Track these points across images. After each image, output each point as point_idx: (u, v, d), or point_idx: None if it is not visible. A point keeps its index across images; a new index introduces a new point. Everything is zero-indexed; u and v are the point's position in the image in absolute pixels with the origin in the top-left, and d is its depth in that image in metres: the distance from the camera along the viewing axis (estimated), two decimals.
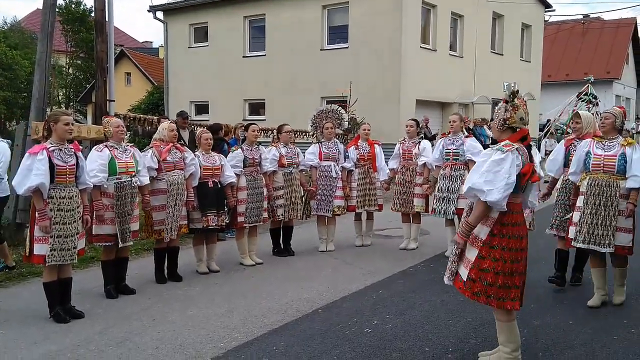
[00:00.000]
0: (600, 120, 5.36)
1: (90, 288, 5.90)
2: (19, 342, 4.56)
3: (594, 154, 5.22)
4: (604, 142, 5.24)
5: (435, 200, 7.27)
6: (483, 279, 3.74)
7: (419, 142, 7.79)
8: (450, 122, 7.36)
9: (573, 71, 30.13)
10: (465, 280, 3.84)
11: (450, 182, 7.13)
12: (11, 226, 7.40)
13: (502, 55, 22.55)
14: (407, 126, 7.93)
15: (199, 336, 4.67)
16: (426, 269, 6.92)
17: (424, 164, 7.57)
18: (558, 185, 6.00)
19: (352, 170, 7.92)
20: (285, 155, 7.42)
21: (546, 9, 25.48)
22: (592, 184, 5.19)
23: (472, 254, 3.78)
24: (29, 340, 4.60)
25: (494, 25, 22.38)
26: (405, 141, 7.86)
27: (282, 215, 7.39)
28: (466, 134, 7.43)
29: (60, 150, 4.87)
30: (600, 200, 5.14)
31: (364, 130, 8.12)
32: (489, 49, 21.92)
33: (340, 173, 7.78)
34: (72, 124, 4.99)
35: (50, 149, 4.80)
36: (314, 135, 8.36)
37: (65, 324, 4.91)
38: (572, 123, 6.01)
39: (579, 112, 6.07)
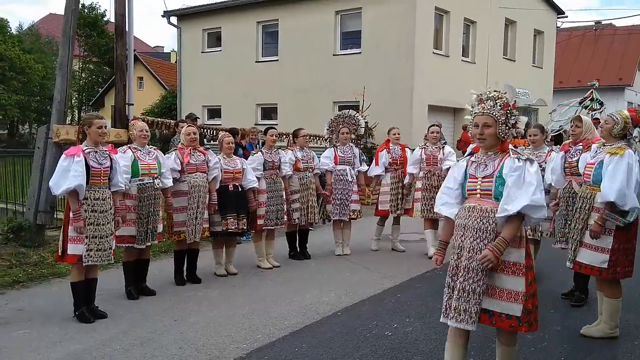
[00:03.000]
0: (600, 125, 4.90)
1: (111, 289, 5.96)
2: (43, 341, 4.62)
3: (587, 163, 4.84)
4: (599, 149, 4.73)
5: None
6: (534, 305, 3.36)
7: (443, 146, 7.79)
8: (530, 136, 6.32)
9: (585, 77, 29.93)
10: (519, 315, 3.29)
11: None
12: (32, 227, 7.48)
13: (514, 61, 22.53)
14: (432, 132, 7.86)
15: (221, 337, 4.72)
16: (444, 273, 6.89)
17: (449, 168, 7.41)
18: (559, 194, 5.61)
19: (382, 175, 7.97)
20: (301, 160, 7.48)
21: (558, 16, 25.44)
22: (565, 190, 5.17)
23: (516, 284, 3.25)
24: (53, 339, 4.65)
25: (507, 32, 22.37)
26: (428, 146, 7.80)
27: (298, 219, 7.43)
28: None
29: (96, 152, 4.97)
30: (568, 211, 5.09)
31: (395, 134, 8.14)
32: (501, 55, 21.91)
33: (355, 177, 7.82)
34: (105, 127, 5.08)
35: (86, 151, 4.90)
36: (327, 140, 8.38)
37: (89, 324, 4.98)
38: (572, 127, 5.58)
39: (581, 115, 5.66)
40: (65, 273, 6.15)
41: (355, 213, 7.82)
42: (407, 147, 8.19)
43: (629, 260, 4.51)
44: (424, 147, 7.80)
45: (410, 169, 7.86)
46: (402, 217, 8.16)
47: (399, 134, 8.20)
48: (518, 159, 3.33)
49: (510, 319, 3.30)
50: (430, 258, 7.30)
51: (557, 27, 26.25)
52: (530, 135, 6.24)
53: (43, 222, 7.57)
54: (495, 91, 3.45)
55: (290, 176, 7.38)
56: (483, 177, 3.42)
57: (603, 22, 32.38)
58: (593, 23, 32.52)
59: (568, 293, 5.73)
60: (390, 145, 8.10)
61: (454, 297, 3.41)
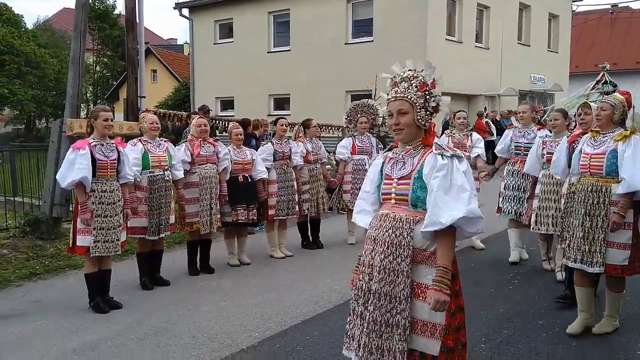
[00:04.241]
0: (596, 111, 4.42)
1: (126, 280, 6.04)
2: (60, 331, 4.70)
3: (583, 153, 4.40)
4: (596, 138, 4.37)
5: (501, 199, 6.66)
6: (460, 342, 2.87)
7: (470, 133, 7.46)
8: (519, 112, 6.75)
9: (602, 61, 29.25)
10: (435, 355, 2.74)
11: (522, 180, 6.41)
12: (48, 220, 7.59)
13: (529, 46, 22.28)
14: (459, 118, 7.43)
15: (233, 326, 4.77)
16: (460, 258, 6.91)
17: (478, 156, 7.19)
18: (564, 191, 4.95)
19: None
20: (311, 152, 7.49)
21: None
22: (579, 189, 4.38)
23: (434, 314, 2.65)
24: (70, 329, 4.74)
25: (521, 16, 22.11)
26: (455, 134, 7.42)
27: (307, 210, 7.46)
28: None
29: (102, 145, 5.02)
30: (586, 209, 4.27)
31: (459, 117, 7.59)
32: (516, 40, 21.68)
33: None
34: (112, 120, 5.13)
35: (92, 144, 4.96)
36: (340, 130, 8.37)
37: (104, 314, 5.06)
38: (581, 114, 5.02)
39: (589, 102, 5.08)
40: (81, 265, 6.24)
41: None
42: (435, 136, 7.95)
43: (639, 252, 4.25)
44: (451, 135, 7.43)
45: None
46: None
47: (464, 118, 7.59)
48: (442, 156, 2.68)
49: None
50: (480, 249, 7.32)
51: (573, 10, 25.91)
52: (551, 120, 5.95)
53: (59, 215, 7.68)
54: (410, 70, 2.79)
55: (301, 167, 7.39)
56: (399, 178, 2.78)
57: (620, 5, 31.83)
58: (609, 6, 31.99)
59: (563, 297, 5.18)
60: None
61: (365, 330, 2.76)
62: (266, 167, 6.86)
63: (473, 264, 6.73)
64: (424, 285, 2.67)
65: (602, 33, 31.66)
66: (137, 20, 9.04)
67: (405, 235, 2.69)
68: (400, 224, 2.71)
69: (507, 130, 7.04)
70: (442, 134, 8.16)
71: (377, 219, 2.83)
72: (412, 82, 2.75)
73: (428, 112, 2.76)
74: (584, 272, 4.31)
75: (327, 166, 8.04)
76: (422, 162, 2.73)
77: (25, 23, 34.02)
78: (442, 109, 2.81)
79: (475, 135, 7.43)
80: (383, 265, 2.72)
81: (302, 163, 7.35)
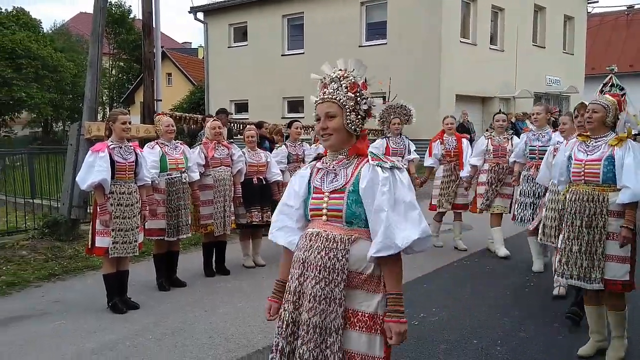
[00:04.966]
0: (587, 113, 4.04)
1: (143, 281, 6.11)
2: (79, 331, 4.77)
3: (575, 159, 4.05)
4: (588, 143, 4.02)
5: (517, 206, 6.47)
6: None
7: (511, 137, 7.18)
8: (533, 114, 6.53)
9: (618, 63, 28.99)
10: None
11: (538, 185, 6.09)
12: (67, 222, 7.70)
13: (544, 48, 22.15)
14: (498, 121, 7.23)
15: (249, 326, 4.81)
16: (471, 263, 6.92)
17: (516, 161, 6.81)
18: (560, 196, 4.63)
19: (434, 166, 7.58)
20: None
21: (589, 1, 24.91)
22: (573, 199, 3.99)
23: (370, 345, 2.40)
24: (88, 329, 4.81)
25: (536, 18, 22.00)
26: (494, 136, 7.16)
27: None
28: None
29: (121, 147, 5.10)
30: (582, 221, 3.91)
31: (448, 124, 7.64)
32: (531, 41, 21.57)
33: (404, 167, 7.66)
34: (130, 123, 5.21)
35: (111, 147, 5.04)
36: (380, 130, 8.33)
37: (122, 314, 5.13)
38: (578, 117, 4.70)
39: (585, 103, 4.65)
40: (99, 266, 6.32)
41: None
42: (464, 138, 7.66)
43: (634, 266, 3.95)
44: (490, 137, 7.16)
45: (473, 160, 7.22)
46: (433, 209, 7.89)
47: (452, 124, 7.64)
48: (381, 167, 2.38)
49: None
50: (504, 257, 6.98)
51: (588, 12, 25.72)
52: (560, 124, 5.76)
53: (77, 217, 7.78)
54: (340, 70, 2.51)
55: None
56: (331, 192, 2.44)
57: (635, 6, 31.52)
58: (625, 7, 31.70)
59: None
60: (445, 135, 7.59)
61: None
62: (280, 170, 6.91)
63: (488, 266, 6.72)
64: (360, 313, 2.36)
65: (617, 34, 31.39)
66: (154, 25, 9.14)
67: (340, 258, 2.36)
68: (334, 244, 2.37)
69: (522, 134, 6.89)
70: (478, 137, 7.94)
71: (307, 238, 2.46)
72: (341, 82, 2.47)
73: (359, 117, 2.46)
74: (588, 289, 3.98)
75: None
76: (357, 174, 2.41)
77: (42, 27, 34.46)
78: (374, 113, 2.51)
79: (516, 139, 7.02)
80: (314, 292, 2.37)
81: None
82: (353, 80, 2.47)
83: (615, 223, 3.82)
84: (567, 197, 4.04)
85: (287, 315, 2.45)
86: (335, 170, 2.47)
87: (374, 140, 8.28)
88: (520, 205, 6.39)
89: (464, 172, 7.27)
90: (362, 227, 2.39)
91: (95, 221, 5.05)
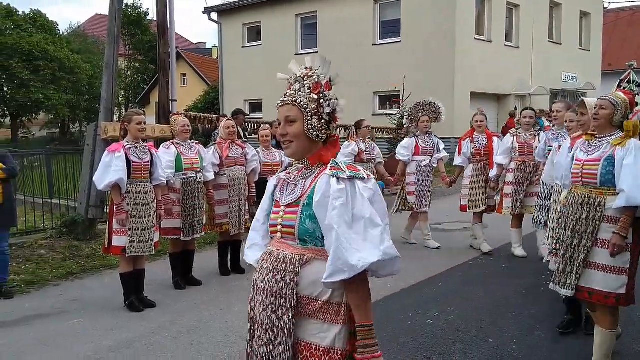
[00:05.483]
0: (595, 109, 3.74)
1: (159, 279, 6.17)
2: (97, 329, 4.84)
3: (575, 160, 3.77)
4: (591, 142, 3.72)
5: (537, 209, 6.19)
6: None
7: (538, 133, 6.81)
8: (553, 112, 6.21)
9: (635, 59, 28.86)
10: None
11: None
12: (84, 222, 7.79)
13: (560, 44, 21.95)
14: (525, 117, 6.86)
15: None
16: (486, 262, 6.88)
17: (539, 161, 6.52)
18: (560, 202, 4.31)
19: (463, 166, 7.38)
20: (364, 151, 7.48)
21: None
22: (571, 202, 3.72)
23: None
24: (106, 327, 4.87)
25: (551, 14, 21.80)
26: (520, 133, 6.84)
27: None
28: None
29: (136, 148, 5.16)
30: (574, 225, 3.63)
31: (477, 121, 7.37)
32: (546, 38, 21.38)
33: (433, 167, 7.62)
34: (145, 123, 5.27)
35: (127, 147, 5.10)
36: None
37: (139, 313, 5.19)
38: (577, 115, 4.46)
39: (585, 99, 4.36)
40: (116, 265, 6.40)
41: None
42: (495, 137, 7.41)
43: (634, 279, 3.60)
44: (516, 135, 6.85)
45: (498, 159, 6.89)
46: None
47: (482, 121, 7.34)
48: (337, 178, 2.07)
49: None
50: (520, 257, 6.88)
51: (604, 7, 25.44)
52: (566, 121, 5.50)
53: (94, 216, 7.88)
54: (305, 68, 2.24)
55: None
56: (287, 206, 2.19)
57: None
58: None
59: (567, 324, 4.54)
60: (475, 133, 7.33)
61: None
62: None
63: (504, 265, 6.69)
64: (313, 346, 2.09)
65: (634, 30, 30.97)
66: (168, 26, 9.22)
67: (288, 281, 2.09)
68: (283, 265, 2.12)
69: (542, 132, 6.70)
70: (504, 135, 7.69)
71: (261, 258, 2.25)
72: (304, 82, 2.20)
73: (323, 121, 2.17)
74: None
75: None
76: (313, 185, 2.14)
77: (59, 29, 34.85)
78: (339, 115, 2.21)
79: (544, 135, 6.47)
80: (261, 319, 2.14)
81: (350, 161, 7.38)
82: (317, 80, 2.19)
83: (611, 230, 3.49)
84: (568, 200, 3.78)
85: (247, 345, 2.28)
86: (295, 181, 2.21)
87: (390, 139, 8.23)
88: (536, 207, 6.18)
89: (492, 172, 7.02)
90: (319, 247, 2.10)
91: (112, 220, 5.12)
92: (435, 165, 7.63)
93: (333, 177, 2.07)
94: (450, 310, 5.09)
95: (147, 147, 5.29)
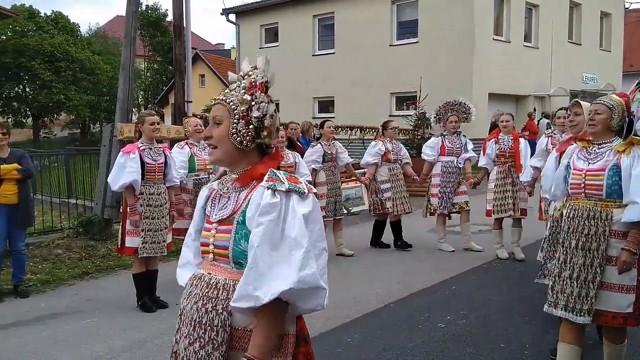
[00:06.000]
0: (590, 115, 3.40)
1: (172, 280, 6.15)
2: (110, 329, 4.88)
3: (574, 169, 3.41)
4: (589, 149, 3.40)
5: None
6: None
7: None
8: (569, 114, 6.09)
9: None
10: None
11: None
12: (100, 222, 7.87)
13: (580, 45, 21.68)
14: (559, 117, 6.20)
15: None
16: (501, 265, 6.81)
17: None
18: (550, 213, 4.13)
19: (487, 168, 7.15)
20: (392, 151, 7.50)
21: None
22: (571, 216, 3.37)
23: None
24: (119, 327, 4.91)
25: (571, 15, 21.55)
26: (556, 134, 6.29)
27: (390, 208, 7.42)
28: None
29: (150, 149, 5.21)
30: (579, 241, 3.30)
31: (503, 121, 7.11)
32: (566, 39, 21.13)
33: (460, 168, 7.48)
34: (158, 124, 5.31)
35: (141, 148, 5.15)
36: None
37: (151, 313, 5.22)
38: (570, 116, 4.21)
39: (579, 100, 4.12)
40: (131, 265, 6.43)
41: (466, 204, 7.39)
42: (521, 137, 7.14)
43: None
44: (551, 136, 6.33)
45: (533, 161, 6.35)
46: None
47: (507, 121, 7.07)
48: (273, 190, 1.80)
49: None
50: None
51: (625, 7, 25.06)
52: (559, 117, 5.41)
53: (110, 217, 7.95)
54: (251, 67, 2.01)
55: (377, 166, 7.46)
56: (219, 222, 1.91)
57: None
58: None
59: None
60: (500, 134, 7.07)
61: None
62: (315, 169, 6.97)
63: (519, 268, 6.61)
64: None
65: None
66: (185, 27, 9.28)
67: (220, 311, 1.82)
68: (215, 292, 1.84)
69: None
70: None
71: (189, 282, 1.97)
72: (242, 81, 1.96)
73: (251, 126, 1.89)
74: (571, 323, 3.33)
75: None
76: (248, 199, 1.86)
77: (80, 31, 35.30)
78: (266, 122, 1.92)
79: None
80: (187, 356, 1.87)
81: (375, 161, 7.43)
82: (253, 79, 1.93)
83: (619, 245, 3.20)
84: (565, 213, 3.42)
85: None
86: (228, 193, 1.93)
87: (406, 141, 8.15)
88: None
89: (525, 176, 6.41)
90: None
91: (125, 221, 5.16)
92: (461, 165, 7.47)
93: (268, 189, 1.80)
94: (463, 314, 5.04)
95: (162, 149, 5.33)
